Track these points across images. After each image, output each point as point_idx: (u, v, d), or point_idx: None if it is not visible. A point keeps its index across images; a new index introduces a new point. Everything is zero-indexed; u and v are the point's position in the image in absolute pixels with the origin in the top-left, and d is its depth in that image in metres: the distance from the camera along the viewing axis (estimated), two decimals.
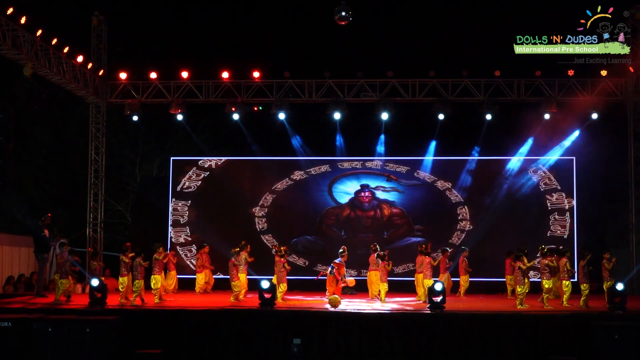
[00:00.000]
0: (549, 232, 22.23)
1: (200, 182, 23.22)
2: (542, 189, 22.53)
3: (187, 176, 23.26)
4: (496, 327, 14.96)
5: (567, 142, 22.45)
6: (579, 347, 14.62)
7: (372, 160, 23.13)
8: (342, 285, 19.17)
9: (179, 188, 23.19)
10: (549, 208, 22.39)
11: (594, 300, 17.17)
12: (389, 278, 18.40)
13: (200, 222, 23.08)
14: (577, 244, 21.85)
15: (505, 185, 22.59)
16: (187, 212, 23.17)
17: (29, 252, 21.57)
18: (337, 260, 19.20)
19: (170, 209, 23.14)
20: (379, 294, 18.18)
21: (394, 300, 18.36)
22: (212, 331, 15.17)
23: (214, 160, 23.44)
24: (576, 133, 22.26)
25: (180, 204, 23.14)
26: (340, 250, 19.57)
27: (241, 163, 23.92)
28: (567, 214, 22.28)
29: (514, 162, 22.68)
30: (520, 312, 15.68)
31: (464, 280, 20.05)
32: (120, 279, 16.97)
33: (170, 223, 23.10)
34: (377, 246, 19.23)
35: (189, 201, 23.15)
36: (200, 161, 23.37)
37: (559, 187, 22.43)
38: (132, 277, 16.73)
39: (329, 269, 19.17)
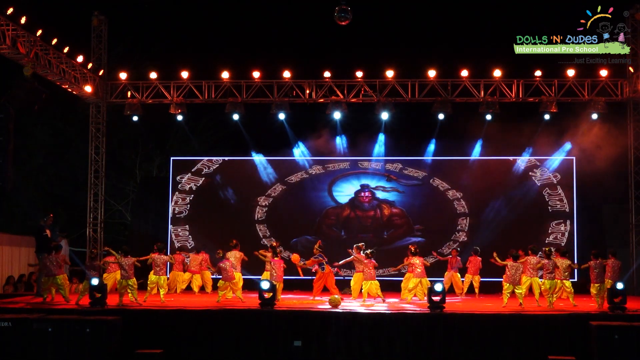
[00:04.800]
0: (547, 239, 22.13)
1: (189, 201, 23.30)
2: (538, 187, 22.52)
3: (185, 178, 23.37)
4: (496, 327, 14.97)
5: (567, 145, 22.51)
6: (579, 347, 14.63)
7: (386, 160, 23.08)
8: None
9: (171, 213, 23.24)
10: (550, 211, 22.39)
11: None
12: (385, 278, 18.34)
13: (199, 226, 23.14)
14: (577, 244, 21.85)
15: (507, 187, 22.64)
16: (187, 207, 23.25)
17: (29, 252, 21.58)
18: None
19: (170, 208, 23.20)
20: (379, 295, 18.10)
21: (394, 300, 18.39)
22: (212, 331, 15.17)
23: (212, 160, 23.49)
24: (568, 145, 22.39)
25: (178, 230, 23.22)
26: (368, 250, 18.32)
27: (240, 163, 23.89)
28: (568, 222, 22.19)
29: (516, 162, 22.69)
30: (520, 312, 15.68)
31: (458, 279, 20.09)
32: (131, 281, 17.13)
33: (170, 222, 23.16)
34: (416, 247, 18.68)
35: (186, 216, 23.27)
36: (182, 180, 23.39)
37: (562, 195, 22.37)
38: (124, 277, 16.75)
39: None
